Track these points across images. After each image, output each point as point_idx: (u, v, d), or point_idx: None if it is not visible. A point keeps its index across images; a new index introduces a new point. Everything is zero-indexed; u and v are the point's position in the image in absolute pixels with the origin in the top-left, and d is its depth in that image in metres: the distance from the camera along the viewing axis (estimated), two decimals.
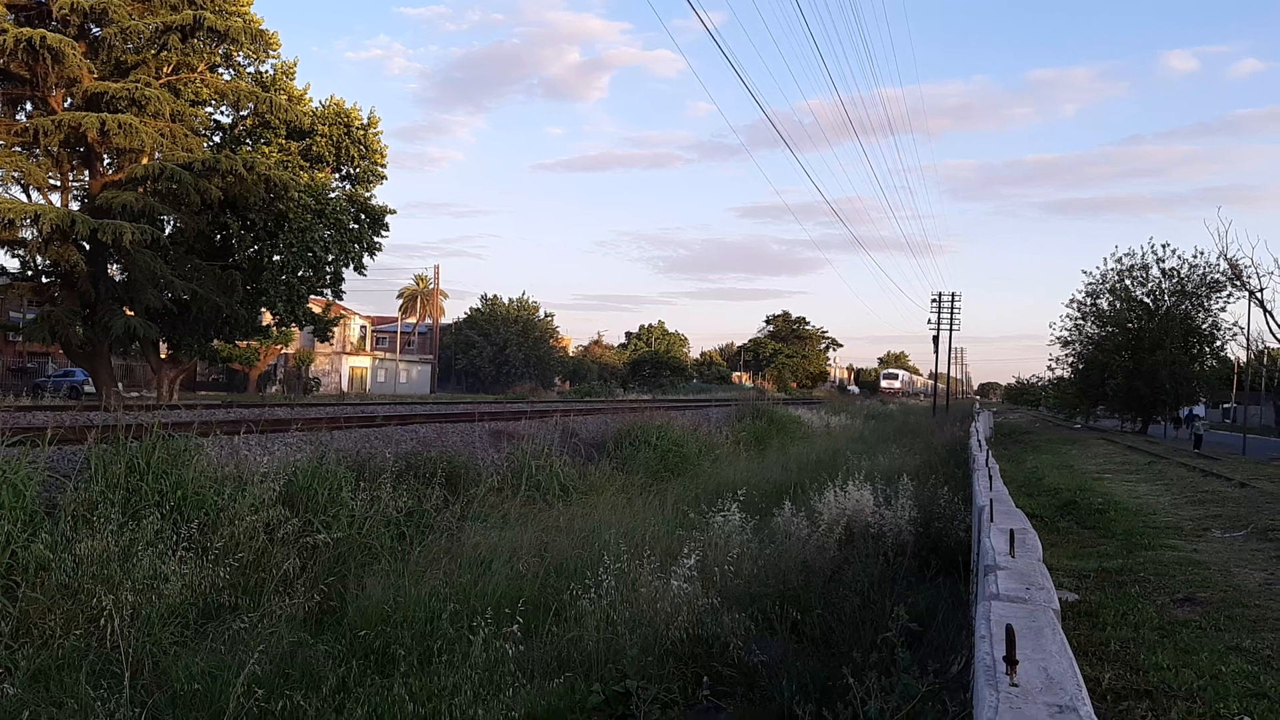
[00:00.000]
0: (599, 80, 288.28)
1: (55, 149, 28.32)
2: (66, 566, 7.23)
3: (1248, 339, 37.42)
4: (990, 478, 9.12)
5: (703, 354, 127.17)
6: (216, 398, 39.21)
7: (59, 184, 29.96)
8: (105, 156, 30.05)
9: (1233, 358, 52.43)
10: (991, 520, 5.98)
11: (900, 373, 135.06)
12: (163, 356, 33.42)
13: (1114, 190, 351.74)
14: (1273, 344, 34.00)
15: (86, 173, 30.00)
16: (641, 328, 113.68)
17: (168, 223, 31.34)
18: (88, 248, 27.56)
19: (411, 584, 7.94)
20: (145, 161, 28.74)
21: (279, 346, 55.54)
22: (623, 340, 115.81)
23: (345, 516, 9.95)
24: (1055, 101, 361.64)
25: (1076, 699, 2.47)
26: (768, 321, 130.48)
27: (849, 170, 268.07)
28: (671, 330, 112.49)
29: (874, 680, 4.89)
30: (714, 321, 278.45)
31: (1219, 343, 45.79)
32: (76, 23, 27.52)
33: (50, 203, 28.17)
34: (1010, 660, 2.64)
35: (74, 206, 29.51)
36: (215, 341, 35.14)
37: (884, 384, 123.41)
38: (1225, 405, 70.21)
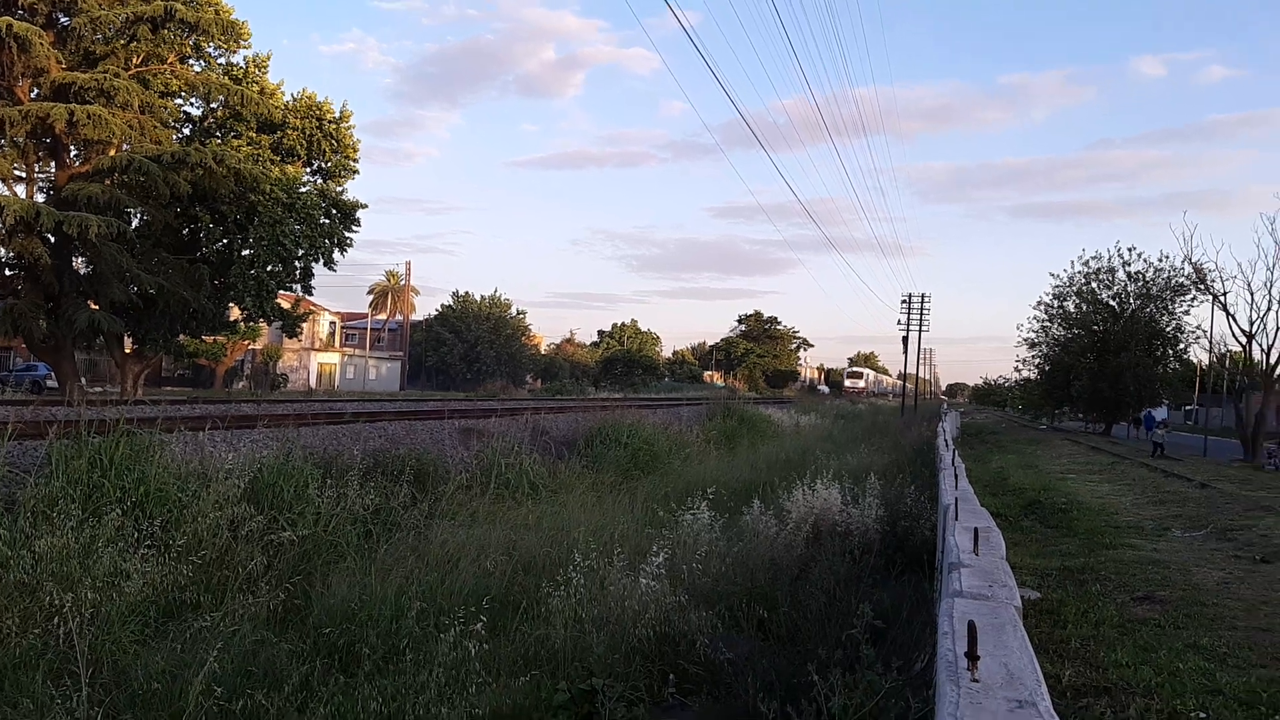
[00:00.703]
0: (574, 77, 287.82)
1: (21, 140, 27.86)
2: (25, 564, 7.09)
3: (1210, 342, 38.09)
4: (956, 477, 9.21)
5: (675, 353, 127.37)
6: (182, 393, 38.70)
7: (24, 175, 29.47)
8: (72, 148, 29.60)
9: (1195, 360, 53.30)
10: (956, 519, 6.04)
11: (866, 372, 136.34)
12: (128, 351, 32.93)
13: (1083, 194, 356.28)
14: (1235, 347, 34.57)
15: (52, 164, 29.53)
16: (614, 326, 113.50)
17: (135, 215, 30.86)
18: (52, 240, 27.12)
19: (378, 582, 7.87)
20: (113, 153, 28.34)
21: (246, 342, 54.91)
22: (595, 339, 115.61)
23: (311, 514, 9.84)
24: (1026, 105, 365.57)
25: (1036, 694, 2.50)
26: (740, 321, 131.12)
27: (822, 171, 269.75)
28: (644, 329, 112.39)
29: (838, 677, 4.91)
30: (687, 320, 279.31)
31: (1182, 345, 46.62)
32: (45, 11, 27.08)
33: (15, 194, 27.68)
34: (972, 656, 2.66)
35: (39, 198, 29.04)
36: (181, 336, 34.69)
37: (848, 383, 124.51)
38: (1188, 407, 71.37)
